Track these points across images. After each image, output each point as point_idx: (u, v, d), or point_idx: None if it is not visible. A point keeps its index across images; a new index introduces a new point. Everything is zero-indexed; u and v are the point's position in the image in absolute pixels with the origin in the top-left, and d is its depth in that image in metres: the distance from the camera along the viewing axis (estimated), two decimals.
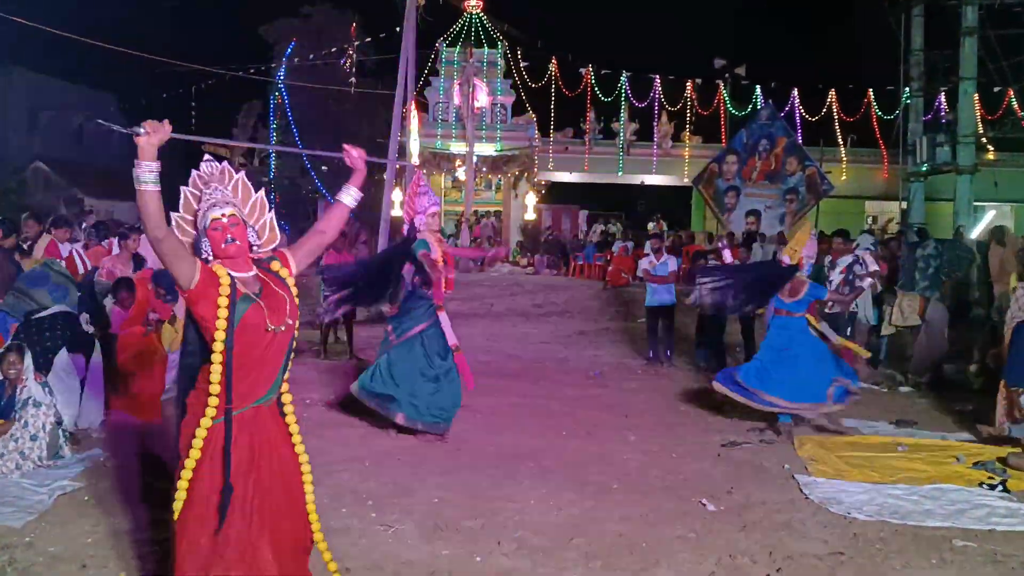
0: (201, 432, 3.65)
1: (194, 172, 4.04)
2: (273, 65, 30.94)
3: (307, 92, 30.39)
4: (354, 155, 4.07)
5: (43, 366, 7.30)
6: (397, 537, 5.36)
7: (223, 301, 3.63)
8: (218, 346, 3.62)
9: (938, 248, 12.39)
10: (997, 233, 15.56)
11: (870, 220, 30.83)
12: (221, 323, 3.62)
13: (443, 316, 7.85)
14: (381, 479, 6.54)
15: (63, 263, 9.16)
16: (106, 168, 34.94)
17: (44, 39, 19.10)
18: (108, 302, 8.76)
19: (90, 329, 8.08)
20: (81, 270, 9.88)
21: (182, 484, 3.65)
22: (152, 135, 3.55)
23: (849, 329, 11.29)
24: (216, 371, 3.61)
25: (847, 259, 11.28)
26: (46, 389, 6.90)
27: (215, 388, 3.62)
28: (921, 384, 11.38)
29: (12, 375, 6.69)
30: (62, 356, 7.59)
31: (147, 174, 3.56)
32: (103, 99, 36.07)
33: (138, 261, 9.71)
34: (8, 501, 5.72)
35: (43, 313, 7.74)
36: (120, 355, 8.43)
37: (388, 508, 5.86)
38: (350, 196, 4.13)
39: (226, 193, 3.92)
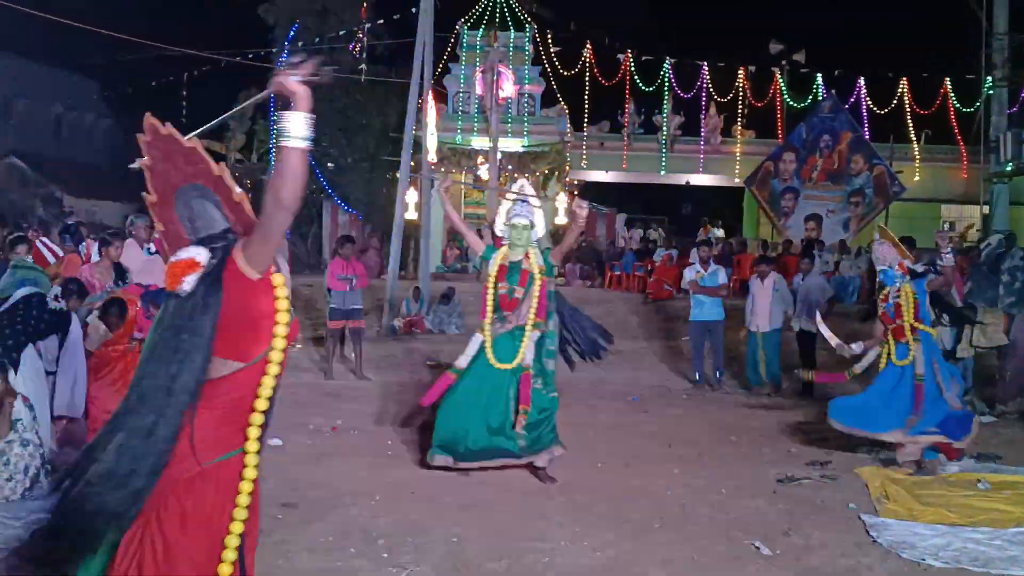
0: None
1: None
2: (274, 50, 31.13)
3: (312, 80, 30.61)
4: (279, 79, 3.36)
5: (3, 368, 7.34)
6: None
7: (284, 304, 3.33)
8: (277, 356, 3.32)
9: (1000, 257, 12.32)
10: None
11: (947, 226, 30.61)
12: (282, 329, 3.31)
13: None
14: (393, 515, 6.57)
15: (29, 258, 9.33)
16: (87, 164, 35.31)
17: (18, 19, 19.33)
18: (90, 318, 8.75)
19: (61, 304, 8.02)
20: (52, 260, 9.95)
21: None
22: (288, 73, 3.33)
23: None
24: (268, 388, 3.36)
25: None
26: (32, 413, 6.94)
27: (258, 419, 3.39)
28: (1008, 413, 11.31)
29: None
30: (29, 354, 7.59)
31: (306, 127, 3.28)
32: (85, 86, 36.45)
33: (120, 272, 9.34)
34: None
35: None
36: (94, 374, 8.46)
37: (401, 548, 5.88)
38: (294, 128, 3.29)
39: None
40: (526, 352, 7.74)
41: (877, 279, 9.08)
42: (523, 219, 7.85)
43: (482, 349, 7.78)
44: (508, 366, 7.69)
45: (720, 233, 25.92)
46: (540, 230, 8.07)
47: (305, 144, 3.27)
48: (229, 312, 3.23)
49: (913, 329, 8.48)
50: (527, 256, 7.85)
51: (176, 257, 3.25)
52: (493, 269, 7.88)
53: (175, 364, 3.14)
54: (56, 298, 7.96)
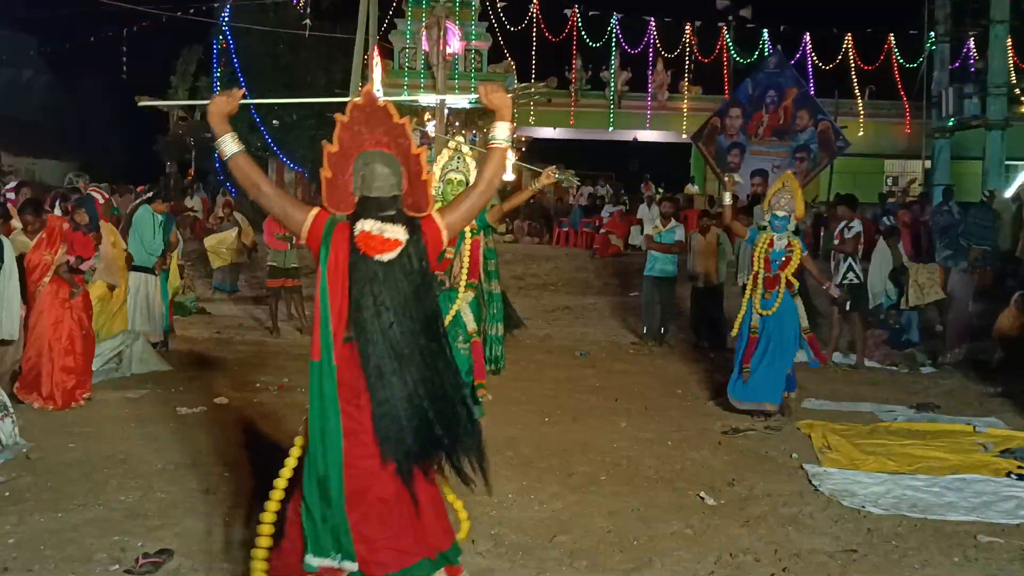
0: None
1: None
2: (216, 5, 30.59)
3: (255, 36, 30.07)
4: (483, 91, 4.09)
5: None
6: None
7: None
8: None
9: (961, 213, 12.50)
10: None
11: (890, 181, 30.97)
12: None
13: None
14: None
15: None
16: (26, 121, 34.60)
17: None
18: None
19: None
20: None
21: None
22: (216, 106, 3.93)
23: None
24: None
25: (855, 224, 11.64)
26: None
27: None
28: (947, 364, 11.51)
29: None
30: None
31: (228, 145, 3.91)
32: (22, 42, 35.62)
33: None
34: None
35: None
36: (31, 309, 8.36)
37: None
38: (501, 135, 4.04)
39: None
40: (463, 314, 7.44)
41: (768, 225, 8.81)
42: (458, 175, 7.53)
43: None
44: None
45: (653, 188, 25.97)
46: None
47: (507, 144, 4.03)
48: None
49: (789, 283, 8.59)
50: None
51: (380, 233, 3.76)
52: None
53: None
54: None
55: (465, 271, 7.36)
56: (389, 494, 3.78)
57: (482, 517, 5.70)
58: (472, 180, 7.06)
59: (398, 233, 3.79)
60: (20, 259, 8.39)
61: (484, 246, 7.76)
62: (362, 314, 3.75)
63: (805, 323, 8.78)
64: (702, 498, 6.16)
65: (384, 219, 3.80)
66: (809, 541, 5.45)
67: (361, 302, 3.75)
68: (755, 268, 8.67)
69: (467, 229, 7.28)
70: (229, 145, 3.88)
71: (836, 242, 11.67)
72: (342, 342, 3.78)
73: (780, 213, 8.57)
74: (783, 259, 8.59)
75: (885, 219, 12.72)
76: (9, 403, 7.05)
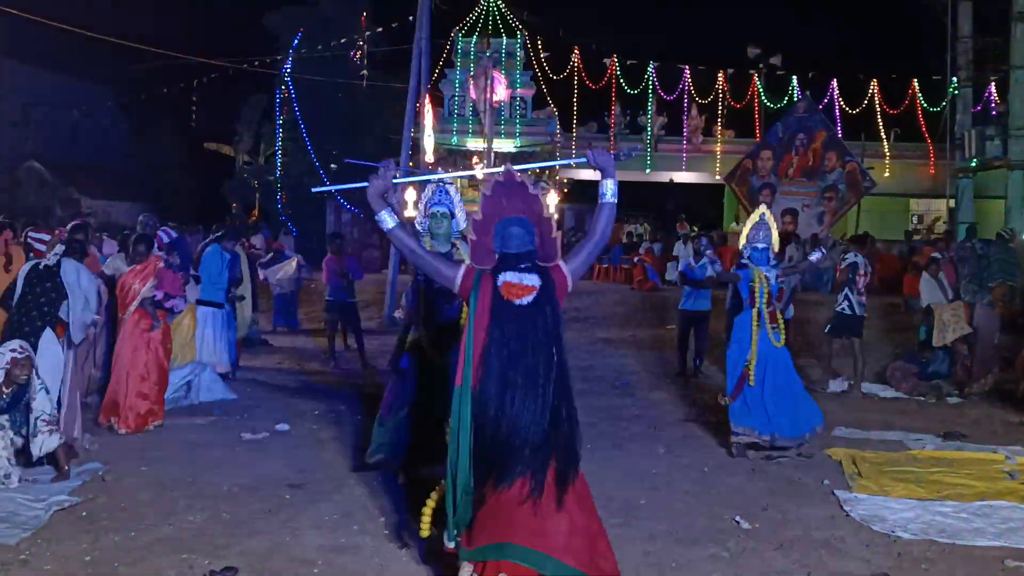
0: None
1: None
2: (279, 57, 31.07)
3: (315, 85, 30.51)
4: (590, 155, 4.74)
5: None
6: (411, 555, 5.38)
7: None
8: None
9: (984, 249, 12.37)
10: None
11: (915, 219, 30.68)
12: None
13: None
14: (394, 494, 6.57)
15: None
16: (103, 166, 35.24)
17: (36, 31, 19.28)
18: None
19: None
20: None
21: None
22: (374, 187, 4.65)
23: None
24: None
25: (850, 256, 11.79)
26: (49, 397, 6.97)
27: None
28: (973, 395, 11.35)
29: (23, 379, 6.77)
30: (47, 338, 7.58)
31: (386, 221, 4.61)
32: (99, 93, 36.33)
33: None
34: (2, 517, 5.78)
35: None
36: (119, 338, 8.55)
37: (402, 525, 5.89)
38: (608, 190, 4.67)
39: None
40: None
41: (742, 259, 8.49)
42: (442, 207, 7.04)
43: (417, 345, 7.04)
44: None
45: (687, 227, 25.82)
46: (461, 221, 7.23)
47: (615, 200, 4.67)
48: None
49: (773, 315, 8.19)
50: (455, 247, 7.09)
51: (520, 281, 4.37)
52: None
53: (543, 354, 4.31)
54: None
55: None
56: (512, 497, 4.23)
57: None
58: (456, 212, 7.05)
59: (533, 281, 4.39)
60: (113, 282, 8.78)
61: None
62: (494, 348, 4.29)
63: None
64: (738, 522, 6.10)
65: (522, 270, 4.40)
66: (842, 564, 5.38)
67: (495, 337, 4.30)
68: (756, 304, 8.14)
69: (466, 260, 7.07)
70: (387, 221, 4.60)
71: (837, 274, 11.71)
72: (477, 369, 4.31)
73: (760, 245, 8.28)
74: (779, 291, 8.42)
75: (936, 254, 12.62)
76: (57, 416, 7.12)
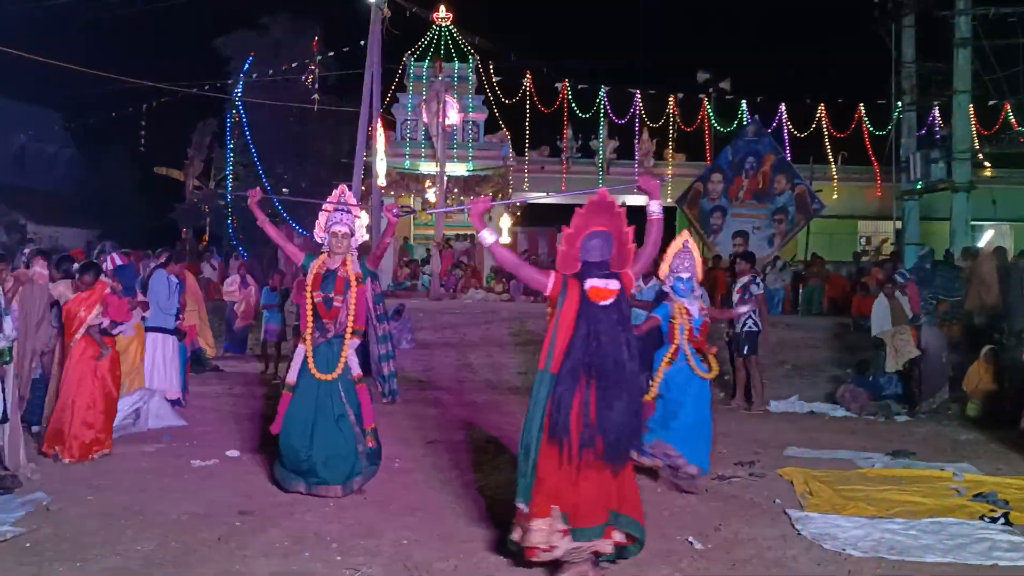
0: None
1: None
2: (230, 81, 30.88)
3: (266, 109, 30.34)
4: (647, 185, 5.76)
5: None
6: None
7: None
8: None
9: (929, 271, 12.58)
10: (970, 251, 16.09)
11: (863, 240, 31.11)
12: None
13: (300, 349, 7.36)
14: (345, 520, 6.51)
15: None
16: (50, 192, 34.75)
17: None
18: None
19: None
20: None
21: None
22: (476, 208, 5.64)
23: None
24: None
25: (745, 279, 11.84)
26: None
27: None
28: (921, 413, 11.51)
29: None
30: None
31: (487, 238, 5.66)
32: (47, 117, 35.89)
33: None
34: None
35: None
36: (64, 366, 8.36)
37: (353, 551, 5.83)
38: (655, 209, 5.68)
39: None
40: (348, 361, 7.22)
41: (670, 290, 8.05)
42: (342, 227, 7.28)
43: (305, 362, 7.20)
44: (330, 377, 7.12)
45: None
46: (359, 238, 7.46)
47: (660, 216, 5.69)
48: None
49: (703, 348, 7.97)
50: (344, 263, 7.28)
51: (604, 285, 5.22)
52: (310, 278, 7.23)
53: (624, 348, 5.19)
54: None
55: (351, 318, 7.21)
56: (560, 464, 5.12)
57: (480, 563, 5.66)
58: (356, 231, 7.37)
59: (615, 285, 5.25)
60: (59, 307, 8.61)
61: (372, 292, 7.61)
62: (579, 340, 5.13)
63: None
64: (690, 543, 6.11)
65: (605, 276, 5.25)
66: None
67: (582, 331, 5.14)
68: (676, 342, 7.86)
69: (352, 279, 7.22)
70: (488, 238, 5.65)
71: (737, 296, 11.68)
72: (560, 357, 5.18)
73: (684, 275, 7.85)
74: (702, 325, 7.99)
75: (898, 276, 12.74)
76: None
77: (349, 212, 7.38)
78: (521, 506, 5.25)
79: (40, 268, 9.24)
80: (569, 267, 5.33)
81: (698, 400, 7.80)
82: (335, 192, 7.59)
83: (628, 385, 5.15)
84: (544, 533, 5.11)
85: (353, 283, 7.24)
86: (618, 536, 5.23)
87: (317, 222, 7.44)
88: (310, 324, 7.21)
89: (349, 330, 7.22)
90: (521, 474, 5.27)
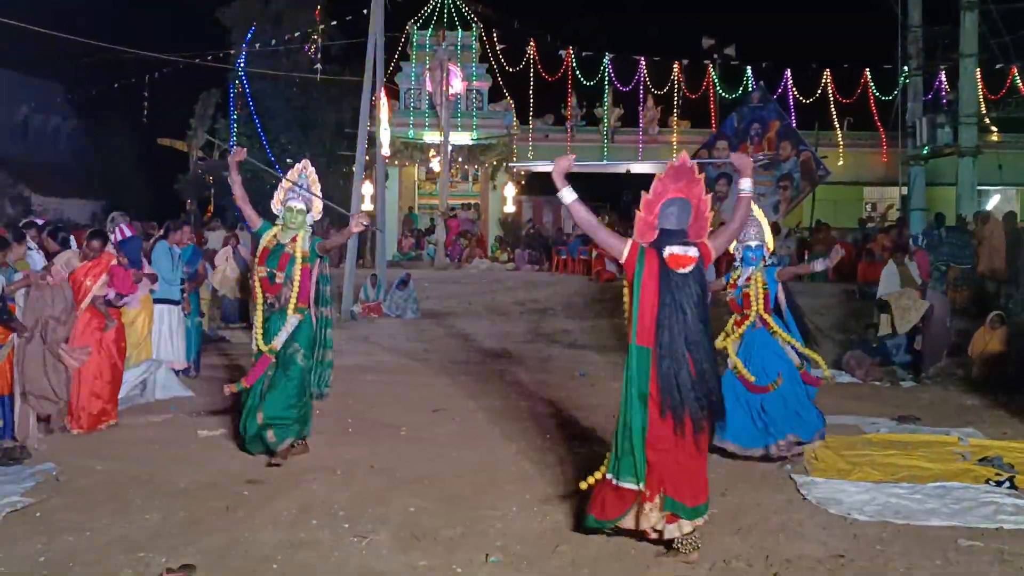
0: None
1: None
2: (232, 51, 30.73)
3: (269, 80, 30.22)
4: (739, 162, 5.57)
5: None
6: (371, 548, 5.36)
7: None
8: None
9: (939, 237, 12.57)
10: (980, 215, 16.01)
11: (869, 207, 30.99)
12: None
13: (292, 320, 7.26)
14: (353, 488, 6.54)
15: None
16: (54, 164, 34.70)
17: None
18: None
19: None
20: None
21: None
22: (558, 167, 5.74)
23: None
24: None
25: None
26: None
27: None
28: (927, 379, 11.51)
29: None
30: None
31: (567, 195, 5.57)
32: (50, 89, 35.77)
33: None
34: None
35: None
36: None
37: (361, 518, 5.86)
38: (745, 186, 5.48)
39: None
40: (279, 334, 7.17)
41: (735, 261, 7.88)
42: (298, 203, 7.31)
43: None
44: (265, 348, 7.19)
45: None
46: (316, 214, 7.48)
47: (750, 194, 5.50)
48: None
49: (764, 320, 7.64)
50: (294, 239, 7.26)
51: (684, 252, 5.14)
52: (259, 250, 7.33)
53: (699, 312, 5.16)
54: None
55: (294, 296, 7.17)
56: (670, 441, 5.09)
57: (487, 530, 5.69)
58: (312, 208, 7.38)
59: (694, 252, 5.17)
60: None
61: (319, 272, 7.55)
62: (667, 310, 5.09)
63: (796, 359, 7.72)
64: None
65: (684, 243, 5.18)
66: (798, 548, 5.42)
67: (667, 302, 5.10)
68: (755, 308, 7.65)
69: (299, 256, 7.21)
70: (568, 195, 5.52)
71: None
72: (652, 330, 5.11)
73: (753, 243, 7.66)
74: (742, 295, 7.70)
75: (913, 242, 12.67)
76: None
77: (308, 188, 7.38)
78: (627, 485, 5.16)
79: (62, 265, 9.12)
80: (647, 234, 5.30)
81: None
82: (297, 167, 7.54)
83: (712, 357, 5.19)
84: (656, 516, 5.15)
85: (299, 260, 7.21)
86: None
87: (275, 194, 7.43)
88: (260, 296, 7.30)
89: (292, 307, 7.18)
90: (623, 452, 5.18)
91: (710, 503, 5.33)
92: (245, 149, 7.75)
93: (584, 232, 5.72)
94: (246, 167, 7.80)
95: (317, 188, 7.48)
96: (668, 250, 5.15)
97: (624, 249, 5.30)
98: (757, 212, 7.72)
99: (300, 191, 7.39)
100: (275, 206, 7.40)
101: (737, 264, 7.85)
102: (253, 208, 7.45)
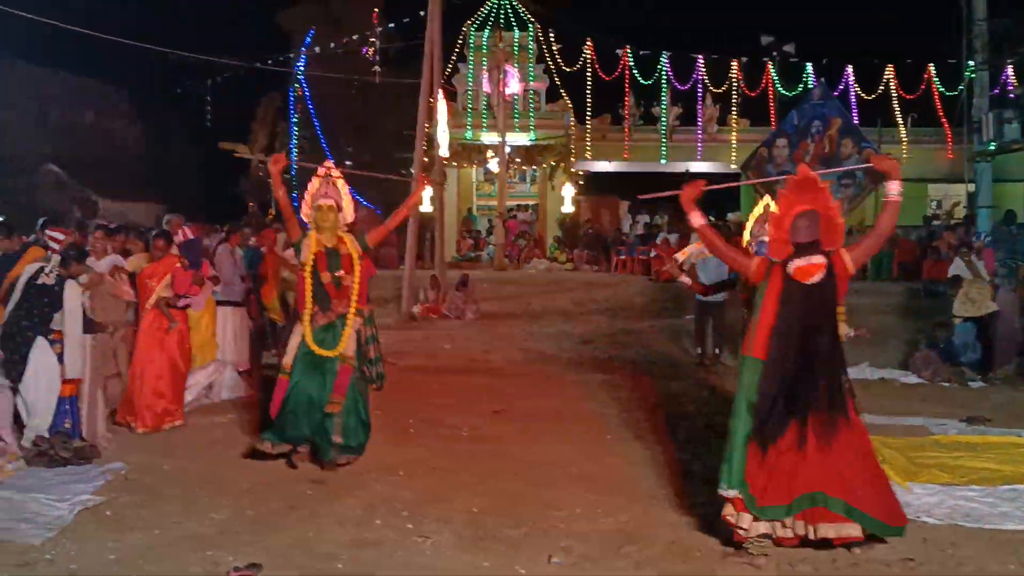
0: None
1: None
2: (292, 55, 31.08)
3: (329, 83, 30.50)
4: (884, 165, 5.45)
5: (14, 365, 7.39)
6: (435, 548, 5.39)
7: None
8: None
9: (1018, 232, 12.35)
10: None
11: (934, 204, 30.48)
12: None
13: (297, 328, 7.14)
14: (416, 488, 6.58)
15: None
16: (119, 167, 35.30)
17: (49, 32, 19.32)
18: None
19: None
20: None
21: None
22: (687, 194, 5.67)
23: None
24: None
25: None
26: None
27: None
28: (996, 379, 11.30)
29: None
30: (39, 347, 7.49)
31: (697, 219, 5.64)
32: (115, 94, 36.43)
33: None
34: (27, 517, 5.80)
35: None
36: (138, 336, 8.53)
37: (424, 518, 5.89)
38: (894, 191, 5.34)
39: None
40: (349, 340, 7.06)
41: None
42: (328, 200, 7.10)
43: (304, 344, 7.00)
44: (332, 353, 6.98)
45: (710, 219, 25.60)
46: (348, 214, 7.28)
47: (898, 198, 5.31)
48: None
49: None
50: (342, 241, 7.13)
51: (808, 262, 5.19)
52: (307, 256, 7.01)
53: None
54: (47, 273, 7.64)
55: (355, 296, 7.06)
56: (791, 444, 5.11)
57: (551, 530, 5.69)
58: (343, 205, 7.10)
59: (819, 259, 5.19)
60: (133, 277, 8.78)
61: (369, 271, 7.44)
62: (790, 324, 5.17)
63: None
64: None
65: (809, 254, 5.20)
66: (866, 551, 5.32)
67: (789, 316, 5.18)
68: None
69: (356, 256, 7.08)
70: (697, 219, 5.62)
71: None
72: (765, 343, 5.23)
73: (766, 239, 7.80)
74: None
75: (978, 238, 12.52)
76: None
77: (335, 185, 7.20)
78: (724, 491, 5.29)
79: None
80: (781, 251, 5.34)
81: None
82: (320, 169, 7.37)
83: (827, 362, 5.18)
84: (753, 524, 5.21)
85: (356, 260, 7.11)
86: (825, 527, 5.10)
87: (303, 200, 7.25)
88: (310, 304, 7.01)
89: (353, 309, 7.08)
90: (727, 460, 5.31)
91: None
92: (284, 155, 7.60)
93: (711, 251, 5.88)
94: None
95: (343, 188, 7.28)
96: (794, 263, 5.23)
97: (752, 265, 5.48)
98: (775, 207, 7.49)
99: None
100: (304, 212, 7.22)
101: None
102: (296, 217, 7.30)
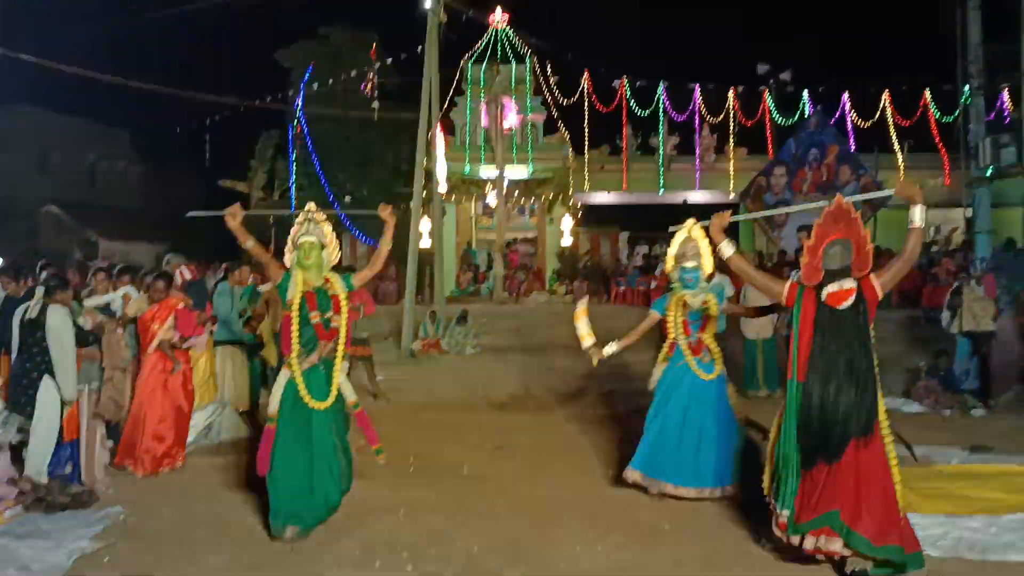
0: None
1: None
2: (290, 92, 31.23)
3: (327, 119, 30.65)
4: (907, 192, 5.61)
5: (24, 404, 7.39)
6: None
7: None
8: None
9: (1010, 259, 12.36)
10: None
11: (933, 230, 30.48)
12: None
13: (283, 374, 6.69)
14: (416, 529, 6.54)
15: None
16: (120, 208, 35.47)
17: (51, 76, 19.49)
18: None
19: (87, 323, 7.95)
20: None
21: None
22: (717, 221, 6.09)
23: None
24: None
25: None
26: None
27: None
28: (998, 407, 11.24)
29: None
30: (45, 386, 7.52)
31: (726, 249, 6.03)
32: (116, 136, 36.66)
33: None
34: (23, 564, 5.77)
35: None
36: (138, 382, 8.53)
37: (424, 559, 5.86)
38: (917, 216, 5.50)
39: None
40: (342, 387, 6.68)
41: (671, 281, 7.58)
42: (311, 237, 6.71)
43: (291, 389, 6.54)
44: (324, 404, 6.54)
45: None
46: (333, 253, 6.83)
47: (922, 225, 5.49)
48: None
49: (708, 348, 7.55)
50: (328, 281, 6.73)
51: (839, 287, 5.45)
52: (295, 296, 6.60)
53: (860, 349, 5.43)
54: (32, 306, 7.68)
55: (343, 339, 6.71)
56: (825, 465, 5.39)
57: (552, 569, 5.64)
58: (326, 242, 6.73)
59: (851, 284, 5.44)
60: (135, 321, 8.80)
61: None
62: (824, 348, 5.42)
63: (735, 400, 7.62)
64: (764, 545, 6.02)
65: (841, 279, 5.45)
66: None
67: (823, 341, 5.43)
68: (671, 336, 7.61)
69: (343, 297, 6.68)
70: (727, 248, 5.96)
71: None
72: (804, 366, 5.47)
73: (689, 264, 7.24)
74: (700, 319, 7.47)
75: (975, 265, 12.62)
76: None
77: (317, 223, 6.84)
78: (784, 513, 5.54)
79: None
80: (813, 278, 5.58)
81: (710, 405, 7.44)
82: (300, 215, 6.97)
83: (859, 383, 5.35)
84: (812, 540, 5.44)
85: (344, 301, 6.73)
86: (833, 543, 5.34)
87: (287, 243, 6.90)
88: (296, 347, 6.58)
89: (340, 354, 6.70)
90: (783, 481, 5.55)
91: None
92: (238, 205, 7.08)
93: (739, 275, 6.08)
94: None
95: (326, 228, 6.90)
96: (828, 289, 5.48)
97: (784, 291, 5.72)
98: (699, 233, 7.26)
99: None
100: (288, 254, 6.86)
101: (674, 285, 7.50)
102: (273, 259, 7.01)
